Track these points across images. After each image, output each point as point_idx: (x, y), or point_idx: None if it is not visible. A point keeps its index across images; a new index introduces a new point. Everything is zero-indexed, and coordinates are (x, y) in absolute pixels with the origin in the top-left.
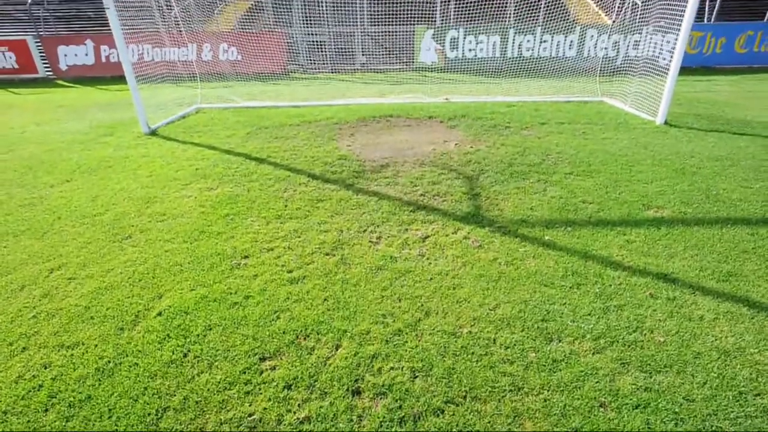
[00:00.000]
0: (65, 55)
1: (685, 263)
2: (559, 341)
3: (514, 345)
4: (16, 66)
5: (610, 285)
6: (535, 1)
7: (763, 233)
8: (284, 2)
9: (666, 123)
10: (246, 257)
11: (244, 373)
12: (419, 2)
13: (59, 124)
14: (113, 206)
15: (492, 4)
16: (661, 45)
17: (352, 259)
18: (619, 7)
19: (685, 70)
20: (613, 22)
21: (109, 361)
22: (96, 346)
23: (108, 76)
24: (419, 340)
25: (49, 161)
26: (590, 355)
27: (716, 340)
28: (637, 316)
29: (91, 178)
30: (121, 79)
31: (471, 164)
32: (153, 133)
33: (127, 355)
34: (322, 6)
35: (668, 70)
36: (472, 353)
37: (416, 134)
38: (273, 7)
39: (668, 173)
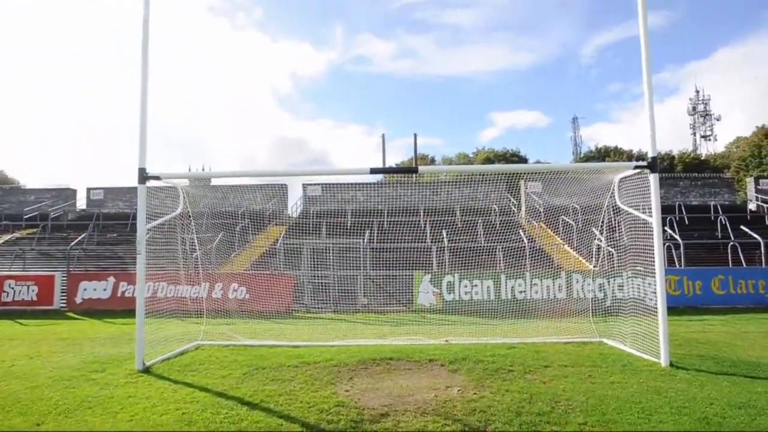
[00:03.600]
0: (84, 290)
1: None
2: None
3: None
4: (35, 299)
5: None
6: (520, 250)
7: None
8: (294, 248)
9: (671, 365)
10: None
11: None
12: (417, 250)
13: (52, 358)
14: None
15: (482, 252)
16: (644, 287)
17: None
18: (596, 255)
19: (674, 311)
20: (594, 267)
21: None
22: None
23: (119, 309)
24: None
25: (26, 400)
26: None
27: None
28: None
29: (65, 422)
30: (129, 312)
31: (476, 413)
32: (147, 370)
33: None
34: (329, 252)
35: (657, 310)
36: None
37: (417, 379)
38: (285, 252)
39: (692, 424)
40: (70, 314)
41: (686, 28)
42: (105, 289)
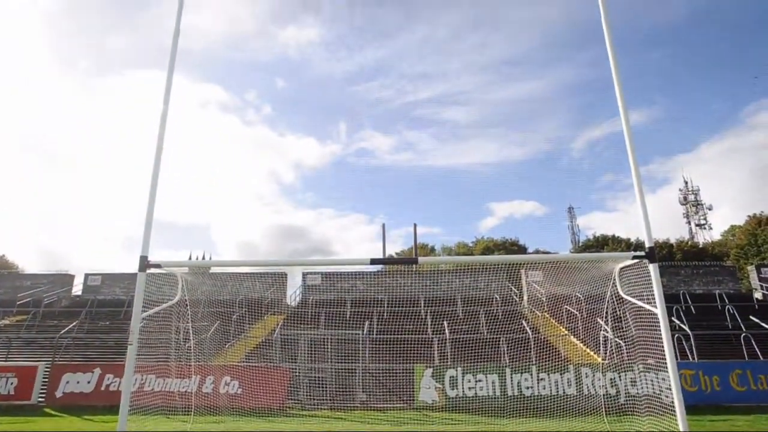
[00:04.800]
0: (67, 382)
1: None
2: None
3: None
4: (12, 392)
5: None
6: (524, 341)
7: None
8: (291, 339)
9: None
10: None
11: None
12: (417, 342)
13: None
14: None
15: (486, 344)
16: (658, 382)
17: None
18: (604, 347)
19: (693, 409)
20: (604, 360)
21: None
22: None
23: (100, 405)
24: None
25: None
26: None
27: None
28: None
29: None
30: (112, 408)
31: None
32: None
33: None
34: (327, 343)
35: (675, 409)
36: None
37: None
38: (281, 343)
39: None
40: (48, 410)
41: (668, 124)
42: (89, 382)
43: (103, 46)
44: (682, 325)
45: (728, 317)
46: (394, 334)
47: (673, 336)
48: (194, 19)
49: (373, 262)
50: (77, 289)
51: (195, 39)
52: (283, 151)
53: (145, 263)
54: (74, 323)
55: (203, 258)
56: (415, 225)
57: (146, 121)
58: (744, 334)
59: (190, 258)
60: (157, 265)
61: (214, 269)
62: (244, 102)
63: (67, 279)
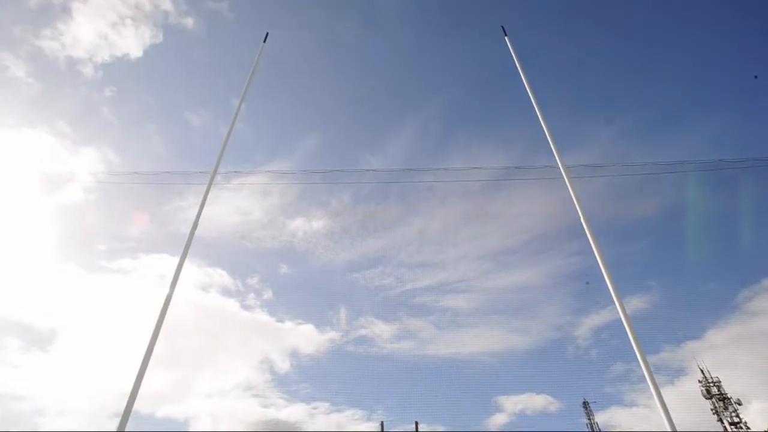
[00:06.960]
0: None
1: None
2: None
3: None
4: None
5: None
6: None
7: None
8: None
9: None
10: None
11: None
12: None
13: None
14: None
15: None
16: None
17: None
18: None
19: None
20: None
21: None
22: None
23: None
24: None
25: None
26: None
27: None
28: None
29: None
30: None
31: None
32: None
33: None
34: None
35: None
36: None
37: None
38: None
39: None
40: None
41: (670, 310)
42: None
43: (123, 232)
44: None
45: None
46: None
47: None
48: (207, 210)
49: None
50: None
51: (206, 228)
52: (280, 338)
53: None
54: None
55: None
56: (416, 423)
57: (141, 303)
58: None
59: None
60: None
61: None
62: (246, 287)
63: None
